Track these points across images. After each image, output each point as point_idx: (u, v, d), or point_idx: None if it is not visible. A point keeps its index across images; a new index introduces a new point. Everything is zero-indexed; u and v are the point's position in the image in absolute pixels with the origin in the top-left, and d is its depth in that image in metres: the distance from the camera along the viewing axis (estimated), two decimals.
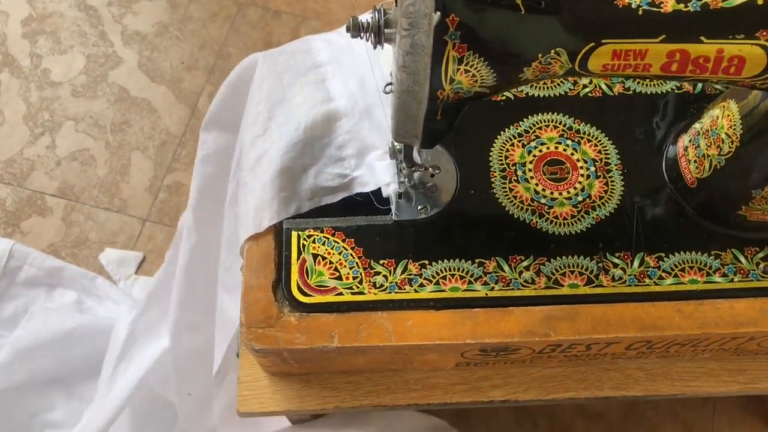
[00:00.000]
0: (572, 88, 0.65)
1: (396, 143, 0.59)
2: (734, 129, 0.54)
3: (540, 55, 0.42)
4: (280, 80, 0.67)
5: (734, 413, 0.93)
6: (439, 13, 0.38)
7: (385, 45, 0.48)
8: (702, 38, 0.42)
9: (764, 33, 0.41)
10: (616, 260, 0.58)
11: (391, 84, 0.49)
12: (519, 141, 0.63)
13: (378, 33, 0.47)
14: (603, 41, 0.42)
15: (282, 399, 0.64)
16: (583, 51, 0.42)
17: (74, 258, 1.01)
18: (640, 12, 0.41)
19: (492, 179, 0.61)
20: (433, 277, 0.58)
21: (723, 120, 0.55)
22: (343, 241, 0.59)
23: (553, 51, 0.42)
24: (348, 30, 0.48)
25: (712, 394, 0.65)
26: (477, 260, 0.58)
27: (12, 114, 1.12)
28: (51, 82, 1.14)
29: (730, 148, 0.55)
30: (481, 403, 0.64)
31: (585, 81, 0.66)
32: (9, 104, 1.13)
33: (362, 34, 0.48)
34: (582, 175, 0.61)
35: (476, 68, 0.42)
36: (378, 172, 0.61)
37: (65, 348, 0.89)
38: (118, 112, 1.12)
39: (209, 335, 0.81)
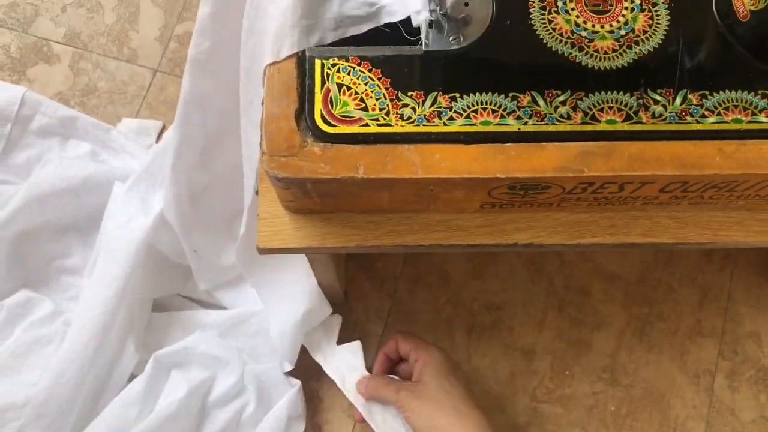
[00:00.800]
0: None
1: None
2: None
3: None
4: None
5: (751, 280, 0.93)
6: None
7: None
8: None
9: None
10: (658, 97, 0.55)
11: None
12: None
13: None
14: None
15: (303, 236, 0.63)
16: None
17: (83, 107, 0.98)
18: None
19: (530, 9, 0.57)
20: (464, 110, 0.55)
21: None
22: (370, 71, 0.56)
23: None
24: None
25: (740, 244, 0.63)
26: (511, 94, 0.55)
27: None
28: None
29: None
30: (505, 246, 0.63)
31: None
32: None
33: None
34: (626, 8, 0.57)
35: None
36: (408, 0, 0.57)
37: (81, 196, 0.88)
38: None
39: (214, 176, 0.79)
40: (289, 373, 0.86)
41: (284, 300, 0.81)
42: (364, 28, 0.58)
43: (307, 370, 0.87)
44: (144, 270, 0.82)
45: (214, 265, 0.84)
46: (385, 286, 0.92)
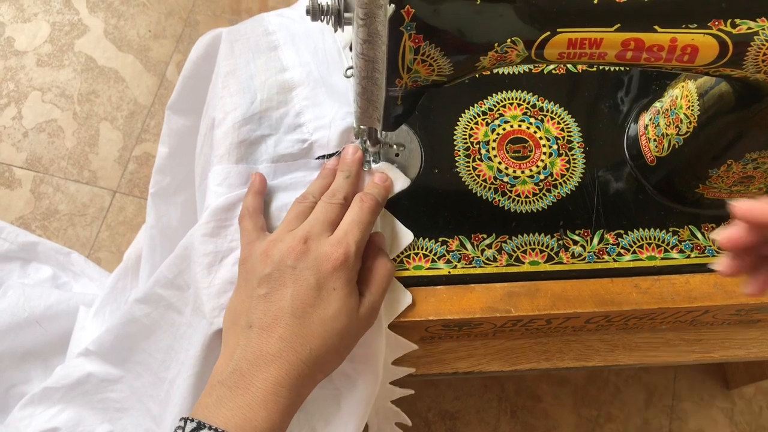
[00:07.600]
0: (536, 65, 0.66)
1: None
2: (692, 110, 0.55)
3: (496, 44, 0.42)
4: (232, 50, 0.66)
5: (694, 377, 0.96)
6: (393, 6, 0.38)
7: (345, 27, 0.48)
8: (656, 27, 0.42)
9: (716, 22, 0.42)
10: (576, 237, 0.59)
11: (351, 68, 0.49)
12: (483, 119, 0.63)
13: (338, 16, 0.47)
14: (558, 30, 0.42)
15: None
16: (539, 40, 0.42)
17: (44, 231, 1.01)
18: (596, 1, 0.42)
19: (456, 158, 0.62)
20: (397, 255, 0.59)
21: (682, 100, 0.56)
22: None
23: (509, 40, 0.42)
24: (308, 13, 0.48)
25: (669, 363, 0.67)
26: (440, 239, 0.59)
27: None
28: (15, 51, 1.12)
29: (688, 128, 0.56)
30: (447, 375, 0.66)
31: None
32: None
33: (322, 17, 0.47)
34: (544, 153, 0.62)
35: (433, 58, 0.42)
36: (336, 132, 0.61)
37: (42, 325, 0.89)
38: (85, 82, 1.10)
39: None
40: None
41: None
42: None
43: None
44: None
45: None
46: None
